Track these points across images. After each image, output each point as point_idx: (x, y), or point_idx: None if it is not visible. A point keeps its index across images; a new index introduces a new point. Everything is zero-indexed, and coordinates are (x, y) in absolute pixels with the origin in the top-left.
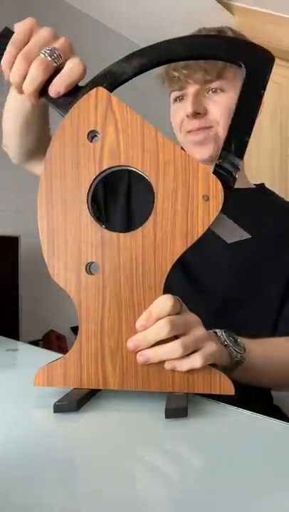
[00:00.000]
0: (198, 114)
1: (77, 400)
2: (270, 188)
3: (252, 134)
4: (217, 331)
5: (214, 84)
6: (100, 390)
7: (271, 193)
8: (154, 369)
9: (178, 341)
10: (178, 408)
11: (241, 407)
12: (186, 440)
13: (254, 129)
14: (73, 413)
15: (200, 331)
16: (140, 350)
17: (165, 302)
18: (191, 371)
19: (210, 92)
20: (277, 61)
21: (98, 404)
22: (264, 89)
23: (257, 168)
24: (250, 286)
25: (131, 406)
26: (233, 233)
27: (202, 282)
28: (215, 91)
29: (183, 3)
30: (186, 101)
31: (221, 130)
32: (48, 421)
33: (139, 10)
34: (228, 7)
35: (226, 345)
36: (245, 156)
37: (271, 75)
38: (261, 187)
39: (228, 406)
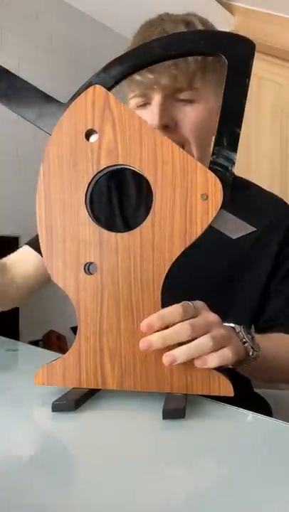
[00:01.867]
0: (166, 127)
1: (76, 400)
2: (245, 178)
3: (252, 134)
4: (235, 326)
5: (183, 95)
6: (99, 389)
7: (247, 185)
8: (152, 369)
9: (208, 335)
10: (175, 409)
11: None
12: (184, 441)
13: (254, 129)
14: (71, 412)
15: (222, 330)
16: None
17: (176, 310)
18: (189, 372)
19: (179, 102)
20: (277, 61)
21: (97, 404)
22: (248, 77)
23: (257, 168)
24: (234, 287)
25: (130, 406)
26: (238, 228)
27: (191, 281)
28: (184, 101)
29: (183, 3)
30: (150, 109)
31: (194, 148)
32: (45, 420)
33: (138, 9)
34: (228, 7)
35: (244, 343)
36: (245, 157)
37: (271, 75)
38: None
39: (227, 406)
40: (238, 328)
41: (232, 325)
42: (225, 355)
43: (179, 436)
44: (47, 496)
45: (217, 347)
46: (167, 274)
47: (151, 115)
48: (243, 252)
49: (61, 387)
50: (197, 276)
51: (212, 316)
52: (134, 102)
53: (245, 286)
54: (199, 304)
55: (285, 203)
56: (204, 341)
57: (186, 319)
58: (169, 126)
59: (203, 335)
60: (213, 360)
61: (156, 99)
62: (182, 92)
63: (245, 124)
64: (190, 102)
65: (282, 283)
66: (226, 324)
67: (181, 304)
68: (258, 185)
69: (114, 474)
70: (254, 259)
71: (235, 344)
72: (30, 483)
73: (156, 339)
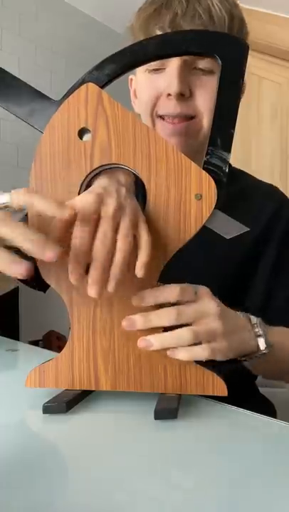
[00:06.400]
0: (182, 95)
1: (67, 402)
2: (236, 167)
3: (251, 133)
4: (251, 318)
5: (203, 64)
6: (92, 391)
7: (242, 175)
8: (146, 370)
9: (189, 328)
10: (167, 409)
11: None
12: (175, 441)
13: (254, 129)
14: (63, 414)
15: (215, 323)
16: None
17: (172, 290)
18: (184, 372)
19: (197, 70)
20: (277, 61)
21: (89, 405)
22: (242, 78)
23: (257, 169)
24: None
25: (123, 407)
26: (231, 228)
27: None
28: (203, 70)
29: None
30: (166, 74)
31: (206, 121)
32: (36, 422)
33: (137, 9)
34: None
35: (258, 336)
36: (245, 156)
37: (271, 75)
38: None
39: (223, 405)
40: (254, 319)
41: (250, 316)
42: (198, 353)
43: (170, 437)
44: (37, 498)
45: (198, 340)
46: (161, 273)
47: (168, 81)
48: (250, 247)
49: (54, 388)
50: (203, 277)
51: (211, 306)
52: (145, 65)
53: (257, 282)
54: (203, 290)
55: (281, 192)
56: (183, 333)
57: (184, 301)
58: (184, 95)
59: (194, 322)
60: (183, 355)
61: (176, 64)
62: (203, 60)
63: (245, 124)
64: (209, 72)
65: (282, 277)
66: (242, 314)
67: (180, 284)
68: (249, 174)
69: (104, 477)
70: (261, 253)
71: (223, 346)
72: (19, 485)
73: (138, 318)
